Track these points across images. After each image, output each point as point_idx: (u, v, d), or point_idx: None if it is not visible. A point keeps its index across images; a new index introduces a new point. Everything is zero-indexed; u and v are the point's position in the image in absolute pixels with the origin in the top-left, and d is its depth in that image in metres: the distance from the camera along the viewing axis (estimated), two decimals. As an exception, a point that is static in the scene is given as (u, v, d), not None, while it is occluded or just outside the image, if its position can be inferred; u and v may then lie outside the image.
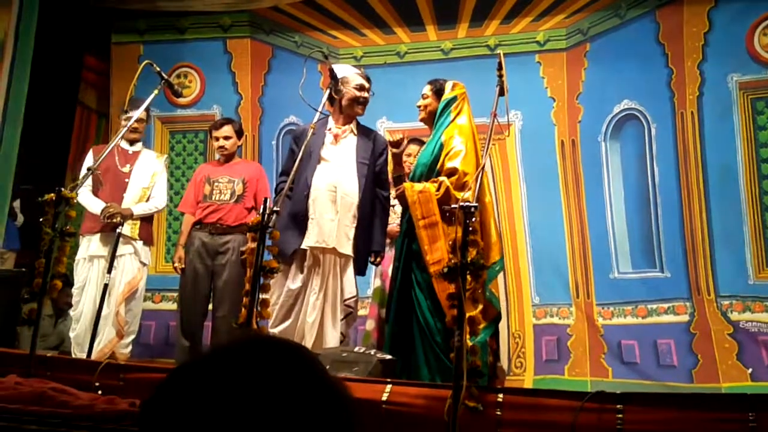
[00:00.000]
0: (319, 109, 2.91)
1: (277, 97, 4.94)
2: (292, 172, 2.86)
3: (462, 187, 2.77)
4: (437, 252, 2.73)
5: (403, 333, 2.89)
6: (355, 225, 3.11)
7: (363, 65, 4.86)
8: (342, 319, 3.08)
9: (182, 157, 5.06)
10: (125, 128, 3.23)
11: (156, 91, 3.02)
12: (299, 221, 3.07)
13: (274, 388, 0.60)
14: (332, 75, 3.07)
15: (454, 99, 3.01)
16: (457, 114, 2.97)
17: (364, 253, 3.17)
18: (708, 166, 4.03)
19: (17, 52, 4.66)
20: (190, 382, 0.62)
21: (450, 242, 2.30)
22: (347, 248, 3.08)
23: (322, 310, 3.04)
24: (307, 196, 3.09)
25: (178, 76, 4.98)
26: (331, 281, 3.07)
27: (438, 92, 3.07)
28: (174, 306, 4.56)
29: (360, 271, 3.18)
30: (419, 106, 3.16)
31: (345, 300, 3.08)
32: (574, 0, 4.51)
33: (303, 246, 3.06)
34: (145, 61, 3.03)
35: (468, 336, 2.27)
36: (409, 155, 3.64)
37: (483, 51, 4.69)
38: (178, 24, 5.14)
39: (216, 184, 3.78)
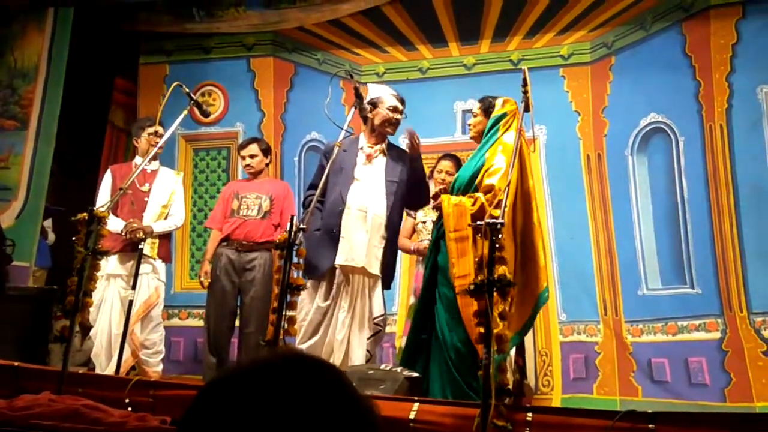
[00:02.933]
0: (344, 127, 2.94)
1: (300, 114, 4.99)
2: (320, 187, 2.91)
3: (498, 204, 2.76)
4: (464, 266, 2.72)
5: (421, 346, 2.89)
6: (384, 245, 3.15)
7: (385, 81, 4.90)
8: (370, 338, 3.09)
9: (205, 174, 5.12)
10: (156, 148, 3.29)
11: (185, 112, 3.09)
12: (332, 237, 3.10)
13: (305, 405, 0.62)
14: (357, 94, 3.10)
15: (503, 116, 2.99)
16: (506, 131, 2.95)
17: (392, 269, 3.21)
18: (738, 179, 3.94)
19: (50, 74, 4.83)
20: (223, 398, 0.63)
21: (477, 258, 2.30)
22: (376, 268, 3.11)
23: (350, 327, 3.06)
24: (341, 212, 3.11)
25: (203, 95, 5.05)
26: (359, 300, 3.09)
27: (486, 110, 3.06)
28: (201, 322, 4.60)
29: (386, 285, 3.21)
30: (469, 125, 3.19)
31: (374, 319, 3.10)
32: (598, 14, 4.48)
33: (335, 264, 3.09)
34: (175, 83, 3.10)
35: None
36: (440, 171, 3.64)
37: (506, 66, 4.68)
38: (203, 44, 5.25)
39: (244, 200, 3.82)
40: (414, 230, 3.77)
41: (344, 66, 4.96)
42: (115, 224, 3.64)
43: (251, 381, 0.64)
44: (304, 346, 3.05)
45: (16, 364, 2.82)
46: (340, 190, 3.13)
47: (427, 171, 3.51)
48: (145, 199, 3.77)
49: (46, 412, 2.30)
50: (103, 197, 3.68)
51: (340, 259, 3.07)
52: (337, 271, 3.11)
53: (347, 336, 3.05)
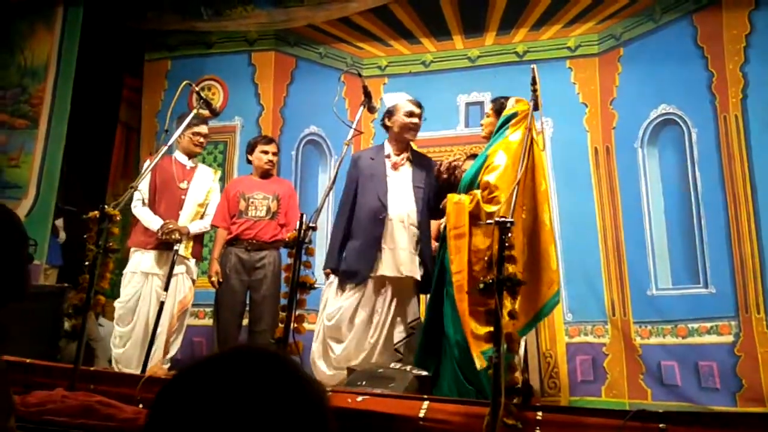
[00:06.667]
0: (354, 126, 2.94)
1: (299, 108, 4.97)
2: (327, 189, 2.93)
3: (491, 200, 2.78)
4: (459, 263, 2.79)
5: (433, 345, 2.92)
6: (419, 251, 3.25)
7: (387, 74, 4.87)
8: (402, 340, 3.16)
9: (220, 168, 5.12)
10: (165, 147, 3.29)
11: (194, 111, 3.10)
12: (374, 246, 3.16)
13: (256, 394, 0.68)
14: (366, 92, 3.09)
15: (513, 115, 3.00)
16: (513, 131, 2.96)
17: (429, 273, 3.25)
18: (755, 170, 3.84)
19: (60, 73, 4.85)
20: (183, 389, 0.71)
21: (486, 257, 2.30)
22: (418, 274, 3.21)
23: (381, 331, 3.14)
24: (384, 220, 3.17)
25: (202, 89, 5.00)
26: (396, 306, 3.18)
27: (499, 110, 3.10)
28: (197, 321, 4.61)
29: (425, 290, 3.28)
30: (482, 124, 3.23)
31: (410, 323, 3.20)
32: (606, 6, 4.42)
33: (379, 274, 3.15)
34: (185, 82, 3.11)
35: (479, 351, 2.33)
36: (464, 171, 3.64)
37: (511, 58, 4.63)
38: (206, 39, 5.25)
39: (251, 200, 3.81)
40: (439, 230, 3.77)
41: (346, 59, 4.95)
42: (152, 221, 3.62)
43: (205, 374, 0.71)
44: (338, 350, 3.12)
45: (28, 360, 2.84)
46: (379, 196, 3.20)
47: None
48: (183, 197, 3.73)
49: (59, 409, 2.33)
50: (143, 188, 3.61)
51: (388, 271, 3.15)
52: (373, 279, 3.17)
53: (378, 339, 3.13)
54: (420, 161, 3.40)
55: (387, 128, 3.35)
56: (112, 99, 5.28)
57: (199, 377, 0.71)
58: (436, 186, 3.38)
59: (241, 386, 0.69)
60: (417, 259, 3.22)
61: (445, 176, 3.41)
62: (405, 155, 3.34)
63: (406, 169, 3.32)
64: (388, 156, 3.32)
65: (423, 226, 3.29)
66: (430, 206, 3.33)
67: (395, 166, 3.29)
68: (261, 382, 0.70)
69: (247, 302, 3.81)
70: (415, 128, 3.33)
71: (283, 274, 2.68)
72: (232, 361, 0.72)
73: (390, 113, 3.29)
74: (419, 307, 3.29)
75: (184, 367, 0.73)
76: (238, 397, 0.67)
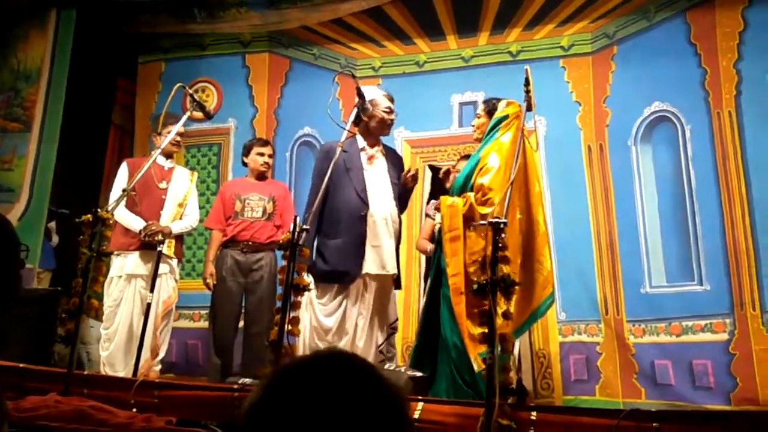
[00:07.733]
0: (347, 128, 2.94)
1: (293, 109, 4.97)
2: (323, 188, 2.88)
3: (485, 203, 2.78)
4: (456, 265, 2.78)
5: (428, 347, 2.92)
6: (397, 249, 3.24)
7: (381, 75, 4.87)
8: (386, 340, 3.15)
9: (196, 170, 5.04)
10: (161, 146, 3.28)
11: (187, 114, 3.09)
12: (359, 243, 3.09)
13: (345, 400, 0.73)
14: (359, 94, 3.08)
15: (505, 117, 3.00)
16: (504, 132, 2.96)
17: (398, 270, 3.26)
18: (749, 167, 3.83)
19: (53, 76, 4.85)
20: (284, 391, 0.74)
21: (480, 258, 2.31)
22: (395, 270, 3.18)
23: (367, 332, 3.10)
24: (365, 217, 3.11)
25: (196, 91, 4.96)
26: (378, 305, 3.14)
27: (490, 112, 3.09)
28: (192, 323, 4.60)
29: (399, 285, 3.29)
30: (473, 126, 3.22)
31: (392, 323, 3.19)
32: (599, 5, 4.43)
33: (364, 272, 3.09)
34: (178, 84, 3.09)
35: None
36: (458, 171, 3.64)
37: (505, 57, 4.63)
38: (199, 41, 5.25)
39: (247, 201, 3.81)
40: (433, 232, 3.77)
41: (340, 60, 4.95)
42: (134, 222, 3.60)
43: (297, 379, 0.75)
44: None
45: (21, 365, 2.83)
46: (357, 192, 3.13)
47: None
48: (163, 197, 3.72)
49: (53, 414, 2.32)
50: (117, 191, 3.57)
51: (373, 269, 3.10)
52: (361, 279, 3.11)
53: (367, 341, 3.09)
54: (393, 156, 3.38)
55: (359, 121, 3.23)
56: (106, 102, 5.27)
57: (291, 382, 0.75)
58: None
59: (331, 392, 0.73)
60: (395, 256, 3.20)
61: (446, 183, 3.39)
62: (379, 148, 3.29)
63: (381, 163, 3.27)
64: (363, 149, 3.24)
65: (400, 223, 3.30)
66: (401, 201, 3.33)
67: (370, 159, 3.23)
68: (349, 388, 0.74)
69: (243, 304, 3.80)
70: (392, 124, 3.33)
71: (279, 277, 2.67)
72: (322, 367, 0.77)
73: (366, 108, 3.17)
74: (395, 305, 3.30)
75: (276, 372, 0.78)
76: (330, 403, 0.72)
